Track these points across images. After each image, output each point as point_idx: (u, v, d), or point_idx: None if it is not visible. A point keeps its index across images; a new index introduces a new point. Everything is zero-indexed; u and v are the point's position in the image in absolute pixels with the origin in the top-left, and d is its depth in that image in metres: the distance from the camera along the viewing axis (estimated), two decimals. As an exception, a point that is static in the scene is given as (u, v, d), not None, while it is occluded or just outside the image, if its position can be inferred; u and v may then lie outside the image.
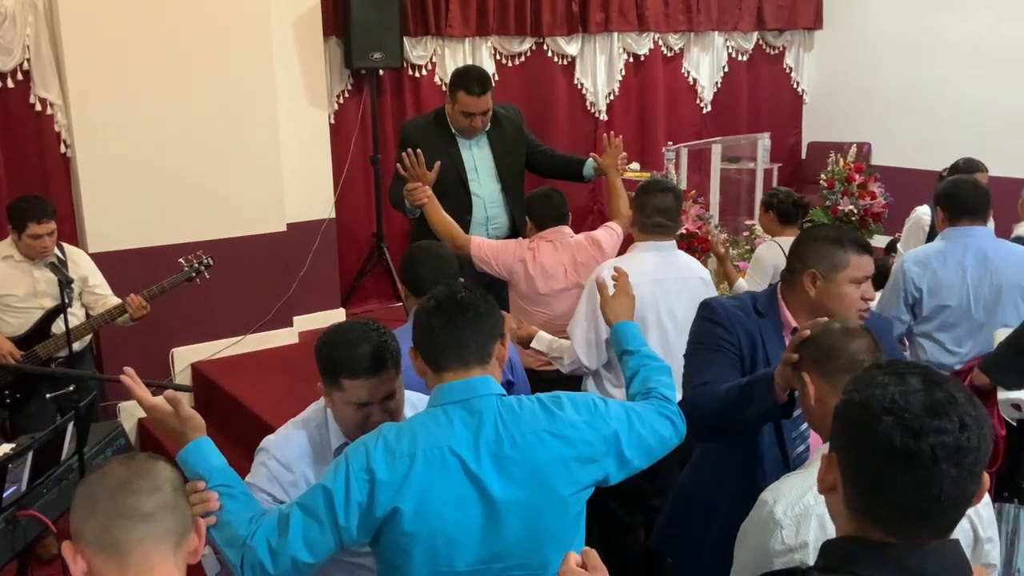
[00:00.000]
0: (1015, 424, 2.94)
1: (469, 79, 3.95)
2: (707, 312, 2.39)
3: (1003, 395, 2.94)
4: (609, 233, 3.73)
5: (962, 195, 3.37)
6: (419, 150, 3.64)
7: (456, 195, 3.96)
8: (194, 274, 4.16)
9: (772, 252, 4.23)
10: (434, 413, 1.83)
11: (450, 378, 1.84)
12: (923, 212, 4.64)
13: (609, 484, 1.93)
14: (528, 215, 3.70)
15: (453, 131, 4.05)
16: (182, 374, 5.14)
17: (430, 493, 1.76)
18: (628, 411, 1.96)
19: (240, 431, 4.22)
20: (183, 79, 4.89)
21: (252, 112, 5.14)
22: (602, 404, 1.93)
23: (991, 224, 4.72)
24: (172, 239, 4.80)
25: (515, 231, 4.10)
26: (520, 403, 1.86)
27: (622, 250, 3.71)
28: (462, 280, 2.78)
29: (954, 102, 7.37)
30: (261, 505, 1.91)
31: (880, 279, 4.84)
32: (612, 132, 4.23)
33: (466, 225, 3.91)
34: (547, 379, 3.41)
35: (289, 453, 2.05)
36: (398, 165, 3.71)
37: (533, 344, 3.27)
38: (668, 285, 3.17)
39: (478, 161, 4.10)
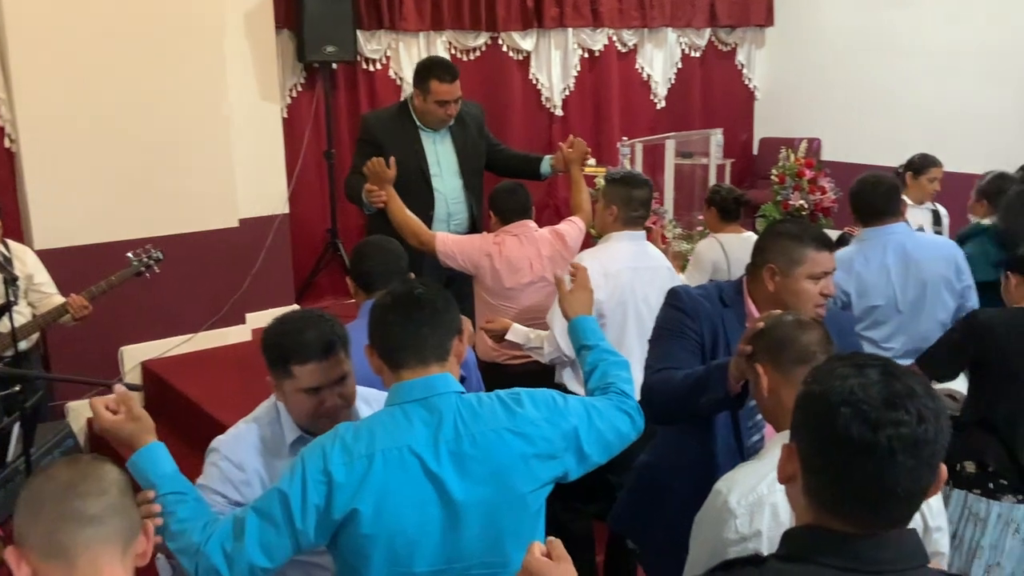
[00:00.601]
0: (950, 413, 3.03)
1: (439, 67, 3.96)
2: (673, 299, 2.43)
3: (936, 387, 3.02)
4: (572, 227, 3.77)
5: (865, 197, 3.41)
6: (379, 157, 3.65)
7: (418, 191, 3.95)
8: (143, 268, 4.08)
9: (711, 248, 4.29)
10: (392, 412, 1.81)
11: (408, 376, 1.82)
12: None
13: (568, 480, 1.93)
14: (492, 210, 3.70)
15: (418, 125, 4.03)
16: (132, 373, 5.05)
17: (389, 494, 1.74)
18: (587, 407, 1.96)
19: (192, 431, 4.16)
20: (131, 72, 4.79)
21: (203, 106, 5.05)
22: (561, 400, 1.93)
23: (945, 219, 4.84)
24: (121, 235, 4.70)
25: (475, 228, 4.11)
26: (480, 401, 1.85)
27: (584, 244, 3.76)
28: (412, 275, 2.78)
29: (903, 99, 7.51)
30: (214, 510, 1.88)
31: None
32: (572, 135, 4.25)
33: (428, 221, 3.91)
34: (512, 372, 3.42)
35: (241, 452, 2.03)
36: (368, 163, 3.69)
37: (509, 337, 3.28)
38: (643, 273, 3.27)
39: (441, 156, 4.09)
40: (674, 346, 2.34)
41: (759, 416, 2.27)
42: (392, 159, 3.67)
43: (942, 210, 4.84)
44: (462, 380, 2.71)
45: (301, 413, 2.00)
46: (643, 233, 3.37)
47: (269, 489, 1.81)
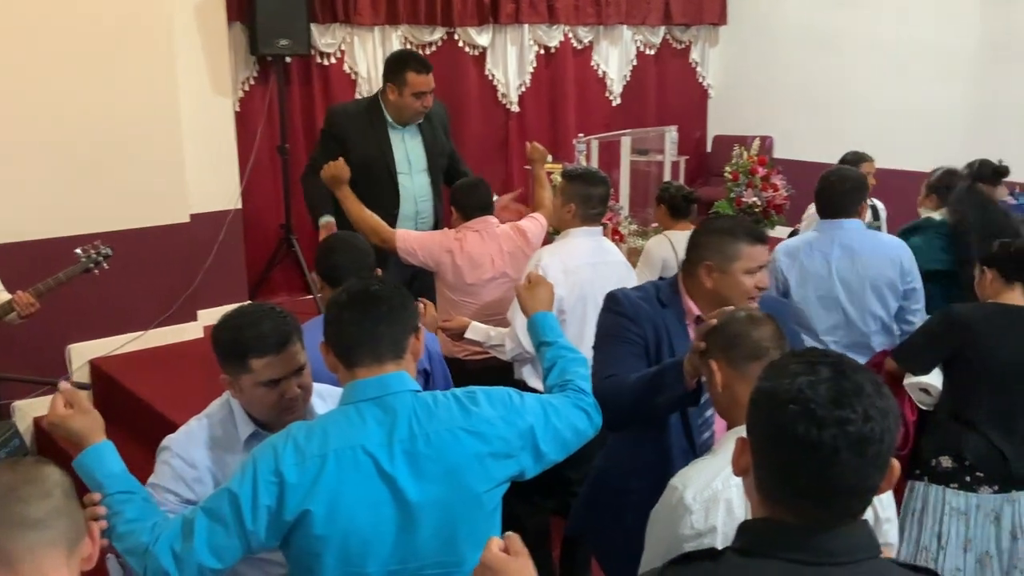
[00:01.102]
0: (925, 408, 3.08)
1: (414, 60, 3.96)
2: (613, 304, 2.42)
3: (911, 380, 3.06)
4: (534, 223, 3.78)
5: (826, 192, 3.49)
6: (342, 155, 3.66)
7: (384, 189, 3.94)
8: (92, 265, 3.99)
9: (660, 246, 4.33)
10: (346, 411, 1.79)
11: (363, 374, 1.80)
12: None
13: (525, 479, 1.91)
14: (454, 205, 3.70)
15: (388, 122, 4.00)
16: (80, 371, 4.94)
17: (342, 494, 1.72)
18: (544, 404, 1.95)
19: (143, 430, 4.09)
20: (79, 64, 4.68)
21: (153, 99, 4.95)
22: (518, 398, 1.91)
23: (883, 213, 4.92)
24: (69, 231, 4.60)
25: (439, 226, 4.12)
26: (435, 399, 1.83)
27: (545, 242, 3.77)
28: (379, 271, 2.77)
29: (852, 98, 7.63)
30: (166, 509, 1.85)
31: None
32: (530, 141, 4.26)
33: (393, 220, 3.89)
34: (471, 368, 3.41)
35: (193, 449, 2.00)
36: (324, 168, 3.66)
37: (468, 335, 3.27)
38: (601, 269, 3.28)
39: (410, 153, 4.08)
40: (620, 351, 2.34)
41: (708, 413, 2.30)
42: (340, 160, 3.65)
43: (879, 204, 4.92)
44: (427, 374, 2.72)
45: (262, 407, 1.98)
46: (600, 229, 3.39)
47: (219, 489, 1.78)
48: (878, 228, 4.78)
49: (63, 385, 1.87)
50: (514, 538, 1.45)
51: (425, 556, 1.79)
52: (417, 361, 1.93)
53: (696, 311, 2.37)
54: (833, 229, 3.42)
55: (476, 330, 3.28)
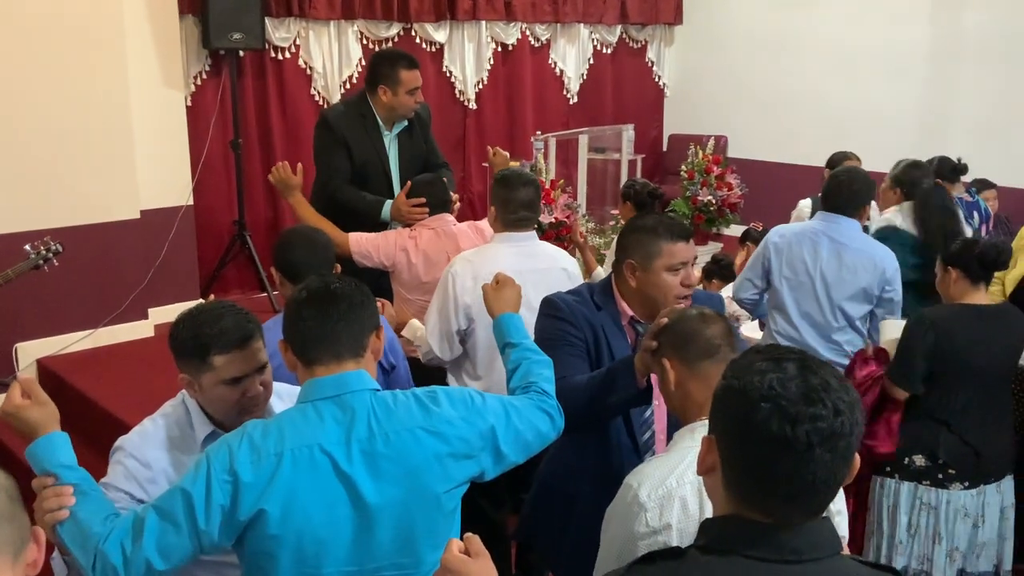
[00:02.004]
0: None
1: (403, 57, 3.94)
2: (551, 309, 2.42)
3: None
4: None
5: (831, 188, 3.56)
6: (285, 161, 3.63)
7: (380, 191, 3.92)
8: (42, 261, 3.93)
9: None
10: (303, 409, 1.76)
11: (321, 372, 1.78)
12: (804, 205, 4.87)
13: (484, 480, 1.90)
14: None
15: (380, 124, 3.98)
16: (27, 370, 4.83)
17: (298, 494, 1.69)
18: (506, 406, 1.93)
19: (93, 431, 4.00)
20: (27, 57, 4.58)
21: (102, 93, 4.87)
22: (479, 399, 1.90)
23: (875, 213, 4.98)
24: (17, 227, 4.50)
25: None
26: (395, 398, 1.81)
27: None
28: (339, 266, 2.75)
29: (806, 97, 7.74)
30: (115, 506, 1.80)
31: (725, 272, 5.06)
32: (492, 146, 4.27)
33: (386, 226, 3.84)
34: (427, 368, 3.39)
35: (147, 450, 1.96)
36: (273, 169, 3.63)
37: (403, 332, 3.24)
38: (526, 276, 2.98)
39: (391, 157, 4.08)
40: (563, 354, 2.33)
41: (648, 412, 2.32)
42: (286, 164, 3.63)
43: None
44: (392, 369, 2.69)
45: (223, 406, 1.95)
46: (530, 235, 3.22)
47: (171, 488, 1.74)
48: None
49: (21, 376, 1.83)
50: (474, 539, 1.44)
51: (382, 557, 1.77)
52: (378, 360, 1.91)
53: (630, 312, 2.38)
54: (830, 223, 3.48)
55: (410, 327, 3.23)
